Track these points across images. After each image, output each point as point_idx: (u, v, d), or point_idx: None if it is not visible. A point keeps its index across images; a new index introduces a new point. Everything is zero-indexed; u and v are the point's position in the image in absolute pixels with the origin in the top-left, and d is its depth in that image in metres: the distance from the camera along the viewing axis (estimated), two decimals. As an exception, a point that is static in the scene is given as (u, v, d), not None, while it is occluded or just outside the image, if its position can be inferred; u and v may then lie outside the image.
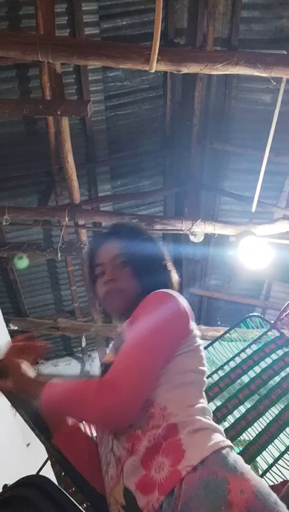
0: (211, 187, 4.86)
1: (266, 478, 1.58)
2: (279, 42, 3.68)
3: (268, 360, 1.81)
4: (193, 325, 1.06)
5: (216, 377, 1.79)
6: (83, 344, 6.09)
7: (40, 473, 1.64)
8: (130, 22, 3.66)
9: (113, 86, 4.05)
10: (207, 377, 1.18)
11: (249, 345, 1.91)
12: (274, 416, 1.63)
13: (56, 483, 1.13)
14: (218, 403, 1.68)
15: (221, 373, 1.80)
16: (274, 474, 1.59)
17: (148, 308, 1.00)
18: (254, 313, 2.03)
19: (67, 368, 6.22)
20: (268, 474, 1.59)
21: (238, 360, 1.84)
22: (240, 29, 3.70)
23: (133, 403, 0.88)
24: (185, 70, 2.53)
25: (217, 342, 1.97)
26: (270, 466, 1.60)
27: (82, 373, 6.12)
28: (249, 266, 3.84)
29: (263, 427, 1.60)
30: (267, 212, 4.58)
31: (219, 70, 2.53)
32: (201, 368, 1.02)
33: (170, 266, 1.19)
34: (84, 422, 1.08)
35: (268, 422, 1.61)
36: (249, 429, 1.59)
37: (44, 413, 1.00)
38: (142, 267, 1.14)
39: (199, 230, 3.61)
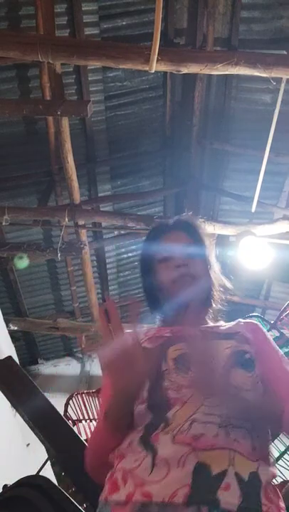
0: (210, 187, 4.87)
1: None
2: (279, 42, 3.69)
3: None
4: None
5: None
6: (83, 345, 6.09)
7: (40, 474, 1.64)
8: (130, 22, 3.66)
9: (113, 86, 4.05)
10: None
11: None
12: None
13: (56, 484, 1.13)
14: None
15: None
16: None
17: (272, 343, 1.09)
18: (254, 314, 2.03)
19: (67, 368, 6.22)
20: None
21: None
22: (240, 29, 3.71)
23: None
24: (185, 70, 2.53)
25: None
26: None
27: (82, 374, 6.13)
28: (249, 266, 3.84)
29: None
30: (267, 213, 4.58)
31: (219, 70, 2.53)
32: None
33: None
34: None
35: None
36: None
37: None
38: (210, 264, 1.15)
39: (199, 230, 3.60)
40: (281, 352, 1.08)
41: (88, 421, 2.99)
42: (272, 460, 0.91)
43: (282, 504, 0.83)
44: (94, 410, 2.87)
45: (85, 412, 3.08)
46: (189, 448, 0.81)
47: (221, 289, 1.19)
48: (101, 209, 4.67)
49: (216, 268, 1.19)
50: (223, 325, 1.14)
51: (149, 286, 1.18)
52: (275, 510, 0.80)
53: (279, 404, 0.97)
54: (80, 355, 6.39)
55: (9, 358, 1.61)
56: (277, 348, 1.10)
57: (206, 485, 0.77)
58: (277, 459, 1.60)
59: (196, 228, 1.21)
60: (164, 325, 1.15)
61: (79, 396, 3.19)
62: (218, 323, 1.15)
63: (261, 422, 0.93)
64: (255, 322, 1.15)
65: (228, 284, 1.21)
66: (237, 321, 1.15)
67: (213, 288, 1.15)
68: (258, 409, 0.94)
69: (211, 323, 1.15)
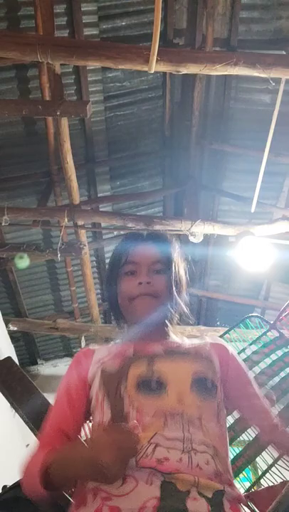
0: (210, 187, 4.87)
1: (265, 479, 1.58)
2: (278, 42, 3.69)
3: (267, 361, 1.81)
4: None
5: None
6: (83, 345, 6.08)
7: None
8: (129, 23, 3.66)
9: (112, 86, 4.05)
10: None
11: (248, 346, 1.90)
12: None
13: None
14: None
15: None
16: (273, 475, 1.59)
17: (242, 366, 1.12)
18: (253, 314, 2.02)
19: (67, 368, 6.21)
20: (267, 475, 1.59)
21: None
22: (239, 30, 3.71)
23: None
24: (184, 71, 2.53)
25: (216, 342, 1.97)
26: (270, 466, 1.60)
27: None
28: (248, 266, 3.84)
29: (262, 428, 1.59)
30: (266, 213, 4.58)
31: (218, 71, 2.53)
32: None
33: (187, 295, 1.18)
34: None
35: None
36: (249, 430, 1.59)
37: None
38: (176, 283, 1.11)
39: (198, 230, 3.61)
40: (251, 375, 1.10)
41: (88, 421, 2.98)
42: (236, 484, 0.93)
43: None
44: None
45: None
46: (154, 471, 0.81)
47: (186, 306, 1.17)
48: (100, 209, 4.67)
49: (183, 285, 1.16)
50: (189, 343, 1.11)
51: (112, 295, 1.15)
52: None
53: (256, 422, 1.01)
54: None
55: (9, 358, 1.61)
56: (247, 370, 1.11)
57: (174, 497, 0.78)
58: (277, 459, 1.59)
59: (167, 245, 1.18)
60: (127, 339, 1.13)
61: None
62: (182, 340, 1.13)
63: (224, 448, 0.93)
64: (224, 344, 1.14)
65: (186, 309, 1.18)
66: (204, 341, 1.13)
67: (175, 306, 1.12)
68: (221, 439, 0.94)
69: (175, 338, 1.13)
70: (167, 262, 1.13)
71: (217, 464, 0.86)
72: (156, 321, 1.08)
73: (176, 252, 1.18)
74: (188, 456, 0.84)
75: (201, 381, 0.98)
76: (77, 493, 0.87)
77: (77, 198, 3.64)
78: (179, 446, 0.85)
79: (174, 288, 1.10)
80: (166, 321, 1.13)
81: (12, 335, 4.69)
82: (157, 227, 3.66)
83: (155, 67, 2.40)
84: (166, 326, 1.13)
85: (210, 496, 0.80)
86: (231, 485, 0.88)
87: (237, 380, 1.08)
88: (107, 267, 5.58)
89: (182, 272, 1.17)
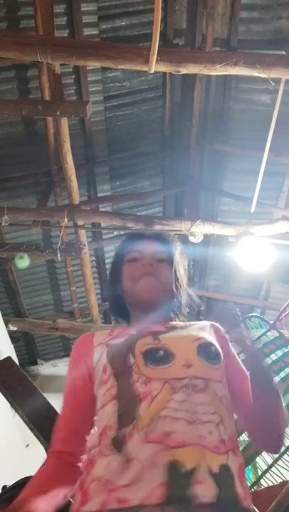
0: (210, 187, 4.87)
1: (265, 479, 1.58)
2: (278, 42, 3.69)
3: (268, 361, 1.81)
4: None
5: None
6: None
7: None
8: (129, 23, 3.66)
9: (112, 87, 4.05)
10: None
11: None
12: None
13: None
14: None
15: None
16: (273, 475, 1.59)
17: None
18: (253, 314, 2.03)
19: (67, 368, 6.20)
20: (267, 475, 1.59)
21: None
22: (239, 30, 3.71)
23: None
24: (184, 71, 2.53)
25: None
26: (270, 466, 1.60)
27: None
28: (248, 266, 3.84)
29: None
30: (266, 213, 4.58)
31: (218, 71, 2.53)
32: None
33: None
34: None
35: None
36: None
37: None
38: (177, 276, 1.15)
39: (198, 230, 3.61)
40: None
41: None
42: (239, 449, 0.93)
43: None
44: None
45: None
46: (161, 446, 0.81)
47: (190, 299, 1.20)
48: (100, 209, 4.67)
49: (184, 278, 1.19)
50: (190, 323, 1.14)
51: (116, 291, 1.18)
52: (249, 497, 0.84)
53: (240, 408, 1.02)
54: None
55: (8, 358, 1.61)
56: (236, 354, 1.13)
57: (180, 482, 0.77)
58: (277, 459, 1.60)
59: (169, 242, 1.21)
60: (130, 324, 1.16)
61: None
62: (184, 324, 1.16)
63: (228, 413, 0.94)
64: (219, 326, 1.16)
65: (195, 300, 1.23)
66: (203, 322, 1.16)
67: (179, 295, 1.16)
68: (226, 404, 0.95)
69: (177, 322, 1.15)
70: (169, 256, 1.16)
71: (221, 432, 0.87)
72: (161, 306, 1.10)
73: (178, 249, 1.21)
74: (194, 427, 0.84)
75: (206, 346, 1.00)
76: (79, 487, 0.85)
77: (77, 198, 3.64)
78: (185, 417, 0.85)
79: (176, 278, 1.14)
80: (172, 311, 1.15)
81: (12, 335, 4.69)
82: (157, 227, 3.66)
83: (155, 67, 2.40)
84: (172, 314, 1.16)
85: (217, 471, 0.80)
86: (235, 450, 0.89)
87: (230, 357, 1.10)
88: (108, 265, 5.61)
89: (184, 267, 1.20)
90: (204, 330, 1.09)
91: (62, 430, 1.02)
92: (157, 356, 0.95)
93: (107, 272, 5.55)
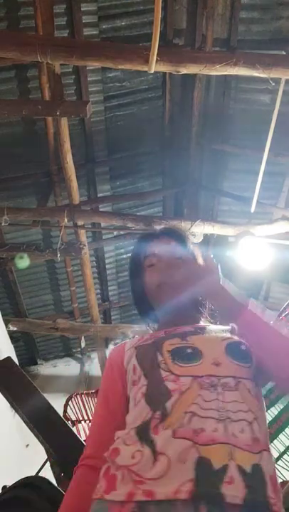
0: (210, 187, 4.87)
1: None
2: (278, 42, 3.69)
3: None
4: None
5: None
6: (82, 345, 6.09)
7: (40, 474, 1.64)
8: (129, 23, 3.66)
9: (112, 87, 4.06)
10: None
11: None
12: (273, 417, 1.63)
13: (55, 484, 1.13)
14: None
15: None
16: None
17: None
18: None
19: (67, 368, 6.22)
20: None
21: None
22: (239, 30, 3.71)
23: None
24: (184, 71, 2.53)
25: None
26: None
27: (82, 374, 6.12)
28: (248, 266, 3.84)
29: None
30: (266, 213, 4.58)
31: (218, 71, 2.53)
32: None
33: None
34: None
35: (267, 422, 1.61)
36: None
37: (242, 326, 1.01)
38: (192, 277, 1.12)
39: (198, 230, 3.61)
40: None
41: (88, 421, 2.99)
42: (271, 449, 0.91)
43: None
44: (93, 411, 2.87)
45: (84, 412, 3.08)
46: (190, 443, 0.80)
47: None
48: (100, 209, 4.68)
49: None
50: (218, 326, 1.15)
51: (138, 289, 1.20)
52: (280, 502, 0.79)
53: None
54: (80, 356, 6.39)
55: (9, 358, 1.61)
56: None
57: (209, 479, 0.75)
58: (277, 459, 1.60)
59: (182, 235, 1.24)
60: (157, 329, 1.17)
61: (78, 397, 3.19)
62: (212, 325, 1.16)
63: (261, 412, 0.92)
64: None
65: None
66: (230, 325, 1.15)
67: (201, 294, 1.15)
68: (259, 402, 0.94)
69: (205, 324, 1.16)
70: (186, 252, 1.18)
71: (255, 431, 0.86)
72: (187, 305, 1.11)
73: (191, 244, 1.23)
74: (224, 425, 0.83)
75: (235, 344, 1.00)
76: (105, 473, 0.84)
77: (77, 198, 3.64)
78: (215, 415, 0.84)
79: (196, 272, 1.12)
80: (197, 309, 1.16)
81: (12, 335, 4.69)
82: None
83: (155, 67, 2.40)
84: (198, 313, 1.17)
85: (249, 470, 0.78)
86: (268, 451, 0.87)
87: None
88: (108, 265, 5.56)
89: (200, 259, 1.21)
90: (232, 330, 1.09)
91: (93, 436, 1.03)
92: (185, 354, 0.96)
93: (107, 272, 5.56)
